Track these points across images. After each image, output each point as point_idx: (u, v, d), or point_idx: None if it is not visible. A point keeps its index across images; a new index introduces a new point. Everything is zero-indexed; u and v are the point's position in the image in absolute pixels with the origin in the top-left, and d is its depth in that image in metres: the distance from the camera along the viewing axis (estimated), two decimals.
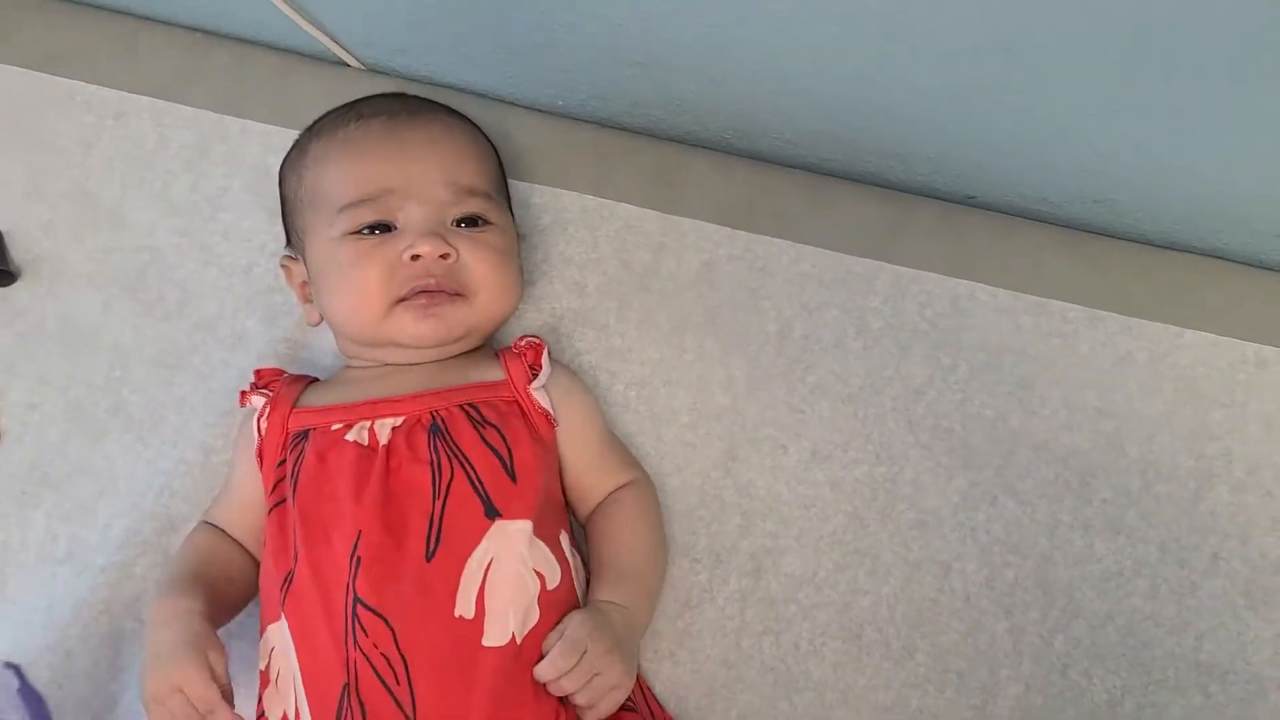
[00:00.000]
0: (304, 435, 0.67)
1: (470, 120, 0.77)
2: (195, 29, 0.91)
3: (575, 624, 0.63)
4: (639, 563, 0.68)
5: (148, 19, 0.91)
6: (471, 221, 0.70)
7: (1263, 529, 0.73)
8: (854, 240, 0.83)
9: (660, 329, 0.81)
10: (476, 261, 0.69)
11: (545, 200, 0.85)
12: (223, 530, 0.71)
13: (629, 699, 0.68)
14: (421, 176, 0.69)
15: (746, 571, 0.74)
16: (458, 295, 0.69)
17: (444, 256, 0.68)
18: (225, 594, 0.67)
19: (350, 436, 0.66)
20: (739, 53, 0.76)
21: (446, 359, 0.71)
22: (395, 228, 0.69)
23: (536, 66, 0.86)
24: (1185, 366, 0.78)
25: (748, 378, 0.79)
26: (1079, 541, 0.74)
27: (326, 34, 0.87)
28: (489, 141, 0.77)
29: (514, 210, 0.81)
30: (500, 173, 0.77)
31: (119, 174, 0.85)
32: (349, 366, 0.74)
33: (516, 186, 0.84)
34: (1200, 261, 0.82)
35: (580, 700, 0.62)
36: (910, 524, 0.75)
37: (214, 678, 0.59)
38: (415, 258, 0.67)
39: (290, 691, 0.62)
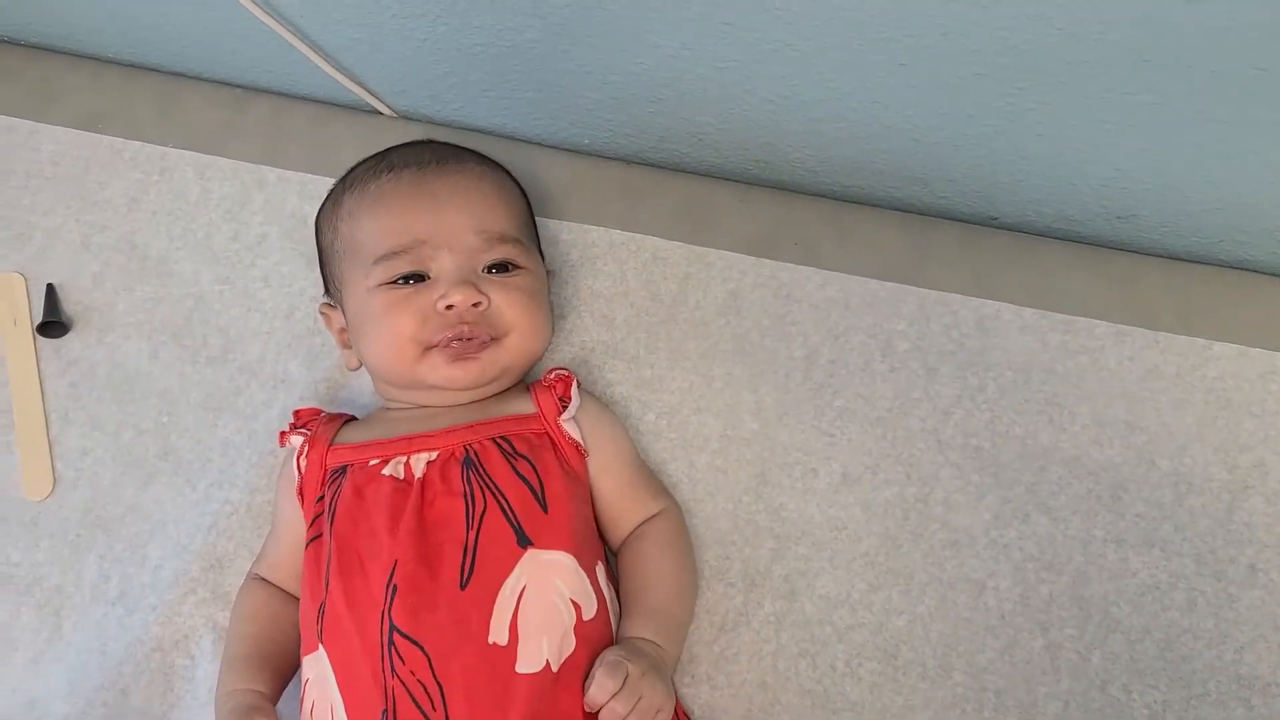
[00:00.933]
0: (342, 471, 0.69)
1: (498, 165, 0.79)
2: (232, 84, 0.95)
3: (610, 651, 0.64)
4: (667, 597, 0.70)
5: (186, 76, 0.95)
6: (502, 267, 0.72)
7: None
8: (878, 265, 0.84)
9: (689, 358, 0.82)
10: (508, 305, 0.71)
11: (573, 237, 0.87)
12: (272, 584, 0.72)
13: None
14: (452, 226, 0.71)
15: (781, 594, 0.74)
16: (491, 340, 0.70)
17: (476, 305, 0.70)
18: (285, 657, 0.70)
19: (386, 471, 0.68)
20: (756, 85, 0.78)
21: (481, 399, 0.73)
22: (429, 277, 0.71)
23: (562, 107, 0.89)
24: (1215, 379, 0.78)
25: (776, 403, 0.80)
26: (1113, 556, 0.74)
27: (358, 83, 0.90)
28: (517, 185, 0.79)
29: (543, 247, 0.83)
30: (529, 215, 0.79)
31: (164, 226, 0.88)
32: (386, 407, 0.76)
33: (545, 224, 0.86)
34: (1226, 274, 0.82)
35: None
36: (943, 543, 0.75)
37: None
38: (449, 307, 0.69)
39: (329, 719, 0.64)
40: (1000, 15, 0.64)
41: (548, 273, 0.80)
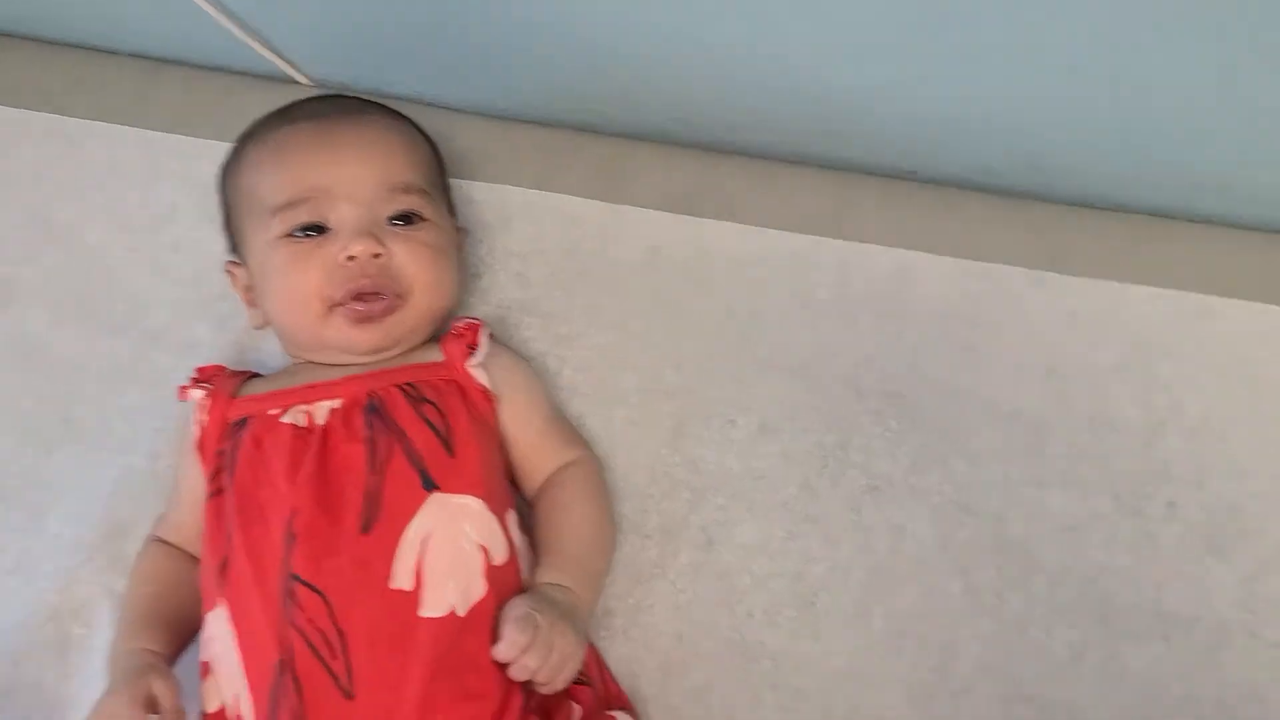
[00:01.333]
0: (243, 424, 0.67)
1: (406, 119, 0.78)
2: (144, 56, 0.93)
3: (518, 602, 0.62)
4: (582, 544, 0.68)
5: (97, 49, 0.93)
6: (406, 219, 0.71)
7: (1218, 474, 0.72)
8: (798, 219, 0.83)
9: (607, 314, 0.81)
10: (411, 259, 0.69)
11: (488, 197, 0.85)
12: (173, 545, 0.70)
13: (584, 673, 0.67)
14: (353, 175, 0.69)
15: (698, 545, 0.73)
16: (396, 300, 0.69)
17: (377, 256, 0.68)
18: (184, 618, 0.67)
19: (286, 419, 0.66)
20: (672, 44, 0.77)
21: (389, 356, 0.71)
22: (329, 228, 0.69)
23: (478, 71, 0.88)
24: (1132, 321, 0.77)
25: (695, 357, 0.79)
26: (1032, 498, 0.73)
27: (273, 50, 0.89)
28: (426, 138, 0.78)
29: (457, 208, 0.82)
30: (438, 169, 0.77)
31: (72, 197, 0.86)
32: (293, 363, 0.74)
33: (459, 185, 0.85)
34: (1141, 220, 0.82)
35: (541, 677, 0.61)
36: (862, 489, 0.74)
37: (157, 708, 0.59)
38: (350, 258, 0.68)
39: (229, 678, 0.62)
40: None
41: (460, 230, 0.78)
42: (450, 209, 0.78)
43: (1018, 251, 0.80)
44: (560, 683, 0.61)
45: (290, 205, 0.69)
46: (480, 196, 0.85)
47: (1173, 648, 0.68)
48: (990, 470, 0.74)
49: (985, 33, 0.68)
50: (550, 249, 0.83)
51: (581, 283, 0.82)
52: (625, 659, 0.70)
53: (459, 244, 0.77)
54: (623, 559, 0.73)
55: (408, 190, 0.71)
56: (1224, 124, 0.74)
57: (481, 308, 0.82)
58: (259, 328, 0.75)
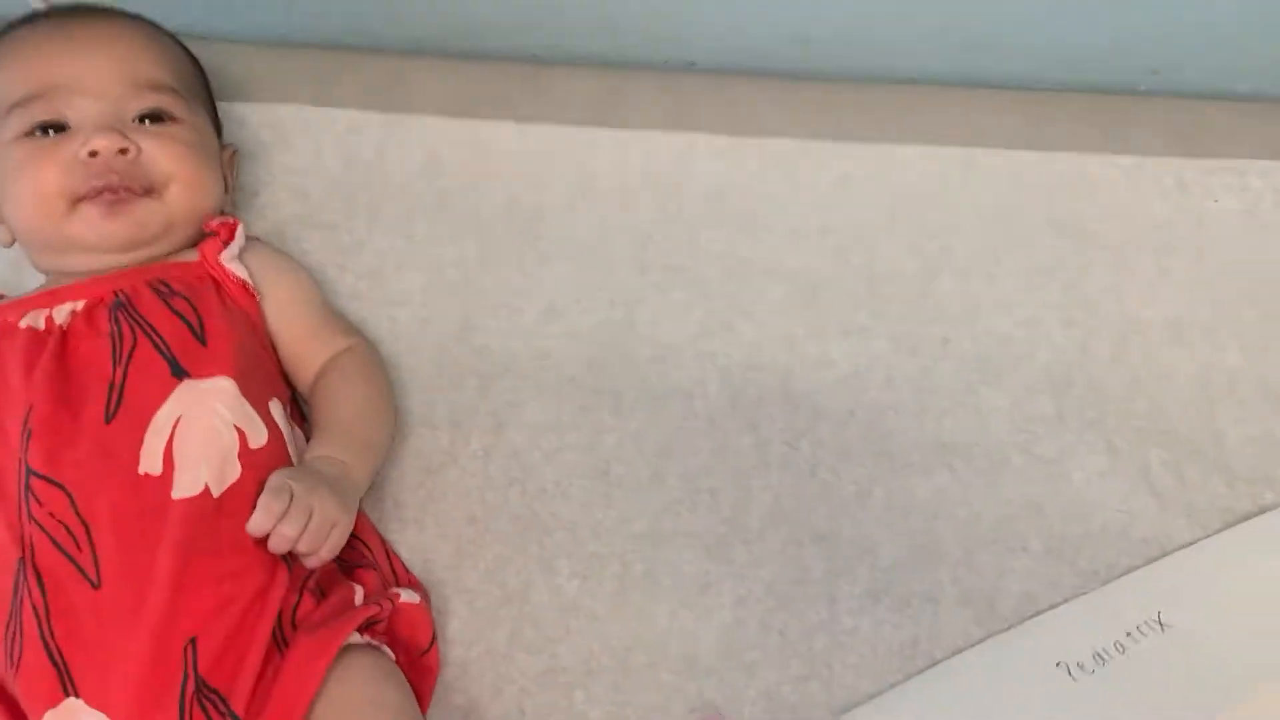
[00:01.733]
0: None
1: (158, 25, 0.75)
2: None
3: (275, 474, 0.60)
4: (353, 416, 0.66)
5: None
6: (155, 117, 0.68)
7: (987, 309, 0.74)
8: (576, 114, 0.83)
9: (389, 220, 0.79)
10: (163, 155, 0.66)
11: (263, 117, 0.83)
12: None
13: (368, 556, 0.64)
14: (94, 70, 0.66)
15: (487, 429, 0.72)
16: (148, 192, 0.66)
17: (123, 151, 0.64)
18: None
19: (24, 324, 0.62)
20: None
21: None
22: (69, 126, 0.65)
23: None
24: (900, 177, 0.79)
25: (479, 252, 0.78)
26: (814, 350, 0.74)
27: None
28: (179, 44, 0.75)
29: (232, 129, 0.79)
30: (193, 72, 0.74)
31: None
32: (45, 280, 0.70)
33: (232, 108, 0.83)
34: (908, 89, 0.84)
35: (303, 546, 0.58)
36: (650, 359, 0.74)
37: None
38: (93, 154, 0.64)
39: None
40: None
41: (227, 149, 0.76)
42: (215, 126, 0.75)
43: (790, 126, 0.82)
44: (327, 552, 0.59)
45: (25, 102, 0.65)
46: (256, 118, 0.83)
47: (955, 475, 0.70)
48: (773, 328, 0.74)
49: None
50: (329, 163, 0.82)
51: (362, 192, 0.81)
52: (419, 547, 0.68)
53: (222, 157, 0.74)
54: (412, 451, 0.71)
55: (155, 88, 0.68)
56: None
57: (259, 224, 0.79)
58: (8, 245, 0.71)
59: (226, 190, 0.74)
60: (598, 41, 0.87)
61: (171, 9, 0.86)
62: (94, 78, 0.66)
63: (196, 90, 0.74)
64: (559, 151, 0.82)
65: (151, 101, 0.67)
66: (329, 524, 0.59)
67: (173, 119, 0.68)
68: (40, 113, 0.65)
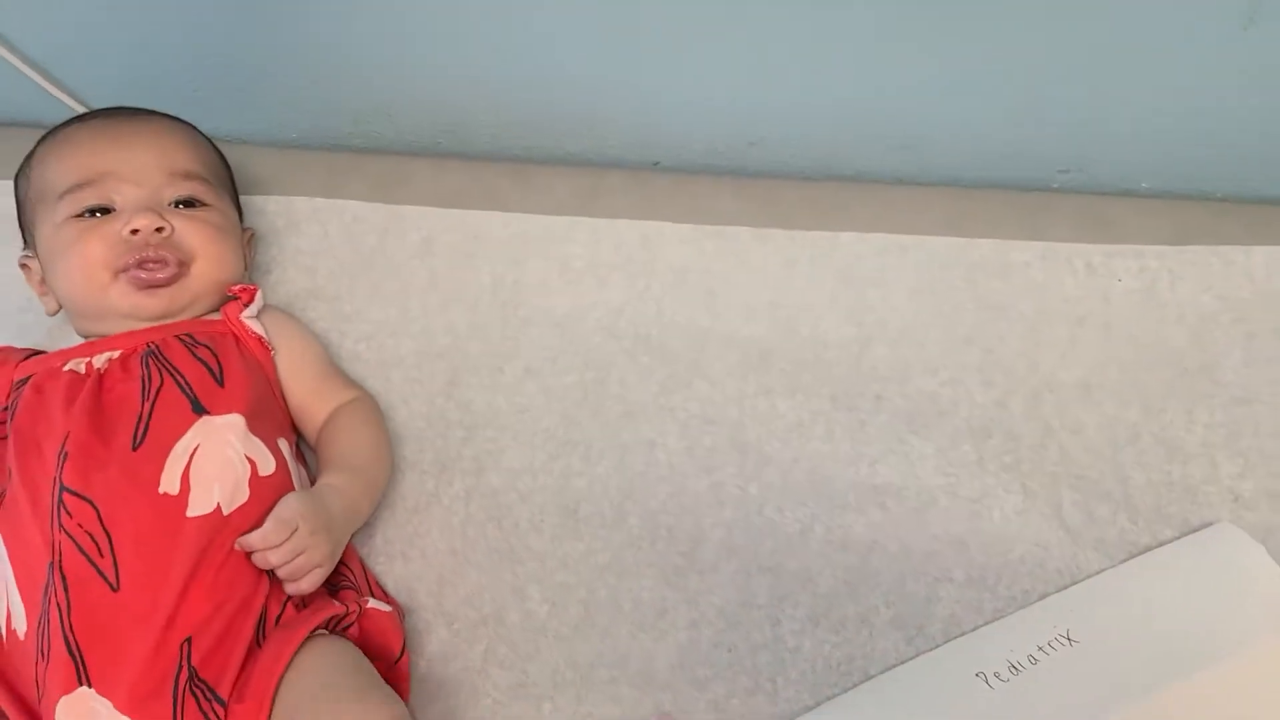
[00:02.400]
0: (26, 380, 0.72)
1: (192, 125, 0.87)
2: None
3: (288, 502, 0.67)
4: (360, 458, 0.74)
5: None
6: (188, 203, 0.77)
7: (916, 371, 0.83)
8: (555, 205, 0.94)
9: (386, 294, 0.89)
10: (192, 234, 0.76)
11: (279, 207, 0.94)
12: None
13: (348, 577, 0.72)
14: (138, 161, 0.76)
15: (469, 472, 0.80)
16: (179, 268, 0.75)
17: (160, 230, 0.74)
18: None
19: (67, 368, 0.71)
20: (425, 58, 0.90)
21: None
22: (114, 209, 0.75)
23: (266, 96, 0.98)
24: (842, 260, 0.90)
25: (466, 321, 0.88)
26: (764, 405, 0.82)
27: (71, 95, 0.97)
28: (209, 140, 0.86)
29: (249, 218, 0.90)
30: (220, 166, 0.85)
31: None
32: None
33: (251, 200, 0.94)
34: (848, 184, 0.95)
35: (282, 574, 0.66)
36: (618, 414, 0.82)
37: None
38: (134, 232, 0.73)
39: (2, 595, 0.65)
40: None
41: (247, 232, 0.86)
42: (238, 211, 0.86)
43: (743, 216, 0.92)
44: (306, 585, 0.66)
45: (77, 188, 0.75)
46: (272, 208, 0.94)
47: (888, 513, 0.77)
48: (727, 388, 0.83)
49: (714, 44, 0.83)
50: (336, 245, 0.92)
51: (364, 271, 0.91)
52: (404, 576, 0.76)
53: (244, 240, 0.84)
54: (400, 493, 0.79)
55: (189, 177, 0.78)
56: (890, 92, 0.89)
57: (273, 296, 0.89)
58: (53, 313, 0.80)
59: (246, 267, 0.84)
60: (576, 143, 0.99)
61: (204, 113, 0.98)
62: (136, 168, 0.76)
63: (223, 180, 0.84)
64: (540, 237, 0.92)
65: (185, 189, 0.77)
66: (311, 566, 0.66)
67: (203, 204, 0.78)
68: (90, 198, 0.75)
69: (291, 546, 0.65)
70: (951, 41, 0.84)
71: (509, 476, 0.80)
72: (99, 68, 0.95)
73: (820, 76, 0.89)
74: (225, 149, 0.95)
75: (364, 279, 0.90)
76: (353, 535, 0.75)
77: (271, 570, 0.66)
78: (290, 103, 0.98)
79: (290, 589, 0.66)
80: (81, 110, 0.96)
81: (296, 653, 0.63)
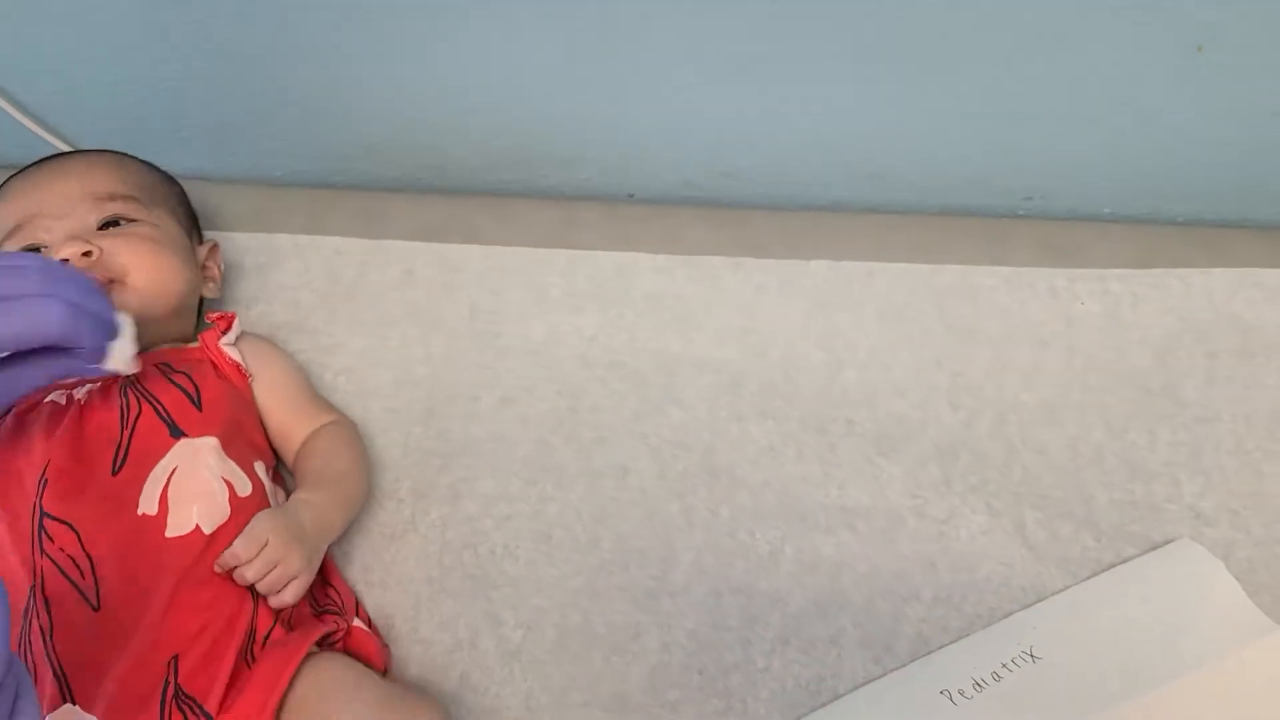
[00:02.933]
0: (8, 412, 0.74)
1: (122, 153, 0.85)
2: None
3: (259, 518, 0.68)
4: (332, 472, 0.75)
5: None
6: (114, 223, 0.77)
7: (885, 394, 0.85)
8: (533, 237, 0.96)
9: (366, 325, 0.91)
10: (122, 249, 0.75)
11: (263, 244, 0.96)
12: None
13: (334, 600, 0.73)
14: (59, 195, 0.77)
15: (445, 500, 0.81)
16: (109, 283, 0.74)
17: (86, 254, 0.74)
18: None
19: (48, 399, 0.73)
20: (405, 98, 0.92)
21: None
22: (46, 246, 0.76)
23: (249, 135, 1.00)
24: (812, 286, 0.91)
25: (444, 351, 0.90)
26: (735, 429, 0.84)
27: (58, 136, 1.00)
28: (144, 163, 0.85)
29: (236, 253, 0.92)
30: (156, 183, 0.83)
31: None
32: None
33: (234, 237, 0.96)
34: (818, 214, 0.98)
35: (261, 589, 0.67)
36: (591, 441, 0.84)
37: None
38: (64, 261, 0.73)
39: None
40: None
41: (207, 244, 0.85)
42: (191, 225, 0.85)
43: (716, 245, 0.95)
44: (289, 596, 0.67)
45: (12, 233, 0.76)
46: (257, 244, 0.96)
47: (856, 534, 0.79)
48: (699, 412, 0.85)
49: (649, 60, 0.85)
50: (317, 279, 0.94)
51: (344, 303, 0.93)
52: (382, 604, 0.77)
53: (201, 251, 0.84)
54: (378, 521, 0.81)
55: (113, 198, 0.78)
56: (858, 123, 0.92)
57: (256, 328, 0.91)
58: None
59: (210, 278, 0.85)
60: (552, 177, 1.01)
61: (188, 153, 1.01)
62: (58, 202, 0.77)
63: (160, 196, 0.83)
64: (517, 268, 0.94)
65: (111, 210, 0.77)
66: (288, 578, 0.67)
67: (131, 220, 0.78)
68: (23, 239, 0.76)
69: (265, 560, 0.66)
70: (917, 73, 0.86)
71: (484, 503, 0.81)
72: (84, 110, 0.97)
73: (791, 109, 0.92)
74: (210, 188, 0.98)
75: (344, 311, 0.92)
76: (331, 550, 0.76)
77: (253, 587, 0.67)
78: (273, 142, 1.00)
79: (273, 602, 0.67)
80: (61, 147, 0.98)
81: (298, 674, 0.64)
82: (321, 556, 0.72)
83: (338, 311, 0.92)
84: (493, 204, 1.00)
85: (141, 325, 0.75)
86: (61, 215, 0.76)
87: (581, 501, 0.81)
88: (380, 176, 1.03)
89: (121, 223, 0.78)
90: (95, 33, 0.90)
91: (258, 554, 0.67)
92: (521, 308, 0.92)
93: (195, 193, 0.93)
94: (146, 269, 0.76)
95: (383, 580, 0.78)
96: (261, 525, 0.68)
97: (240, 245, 0.96)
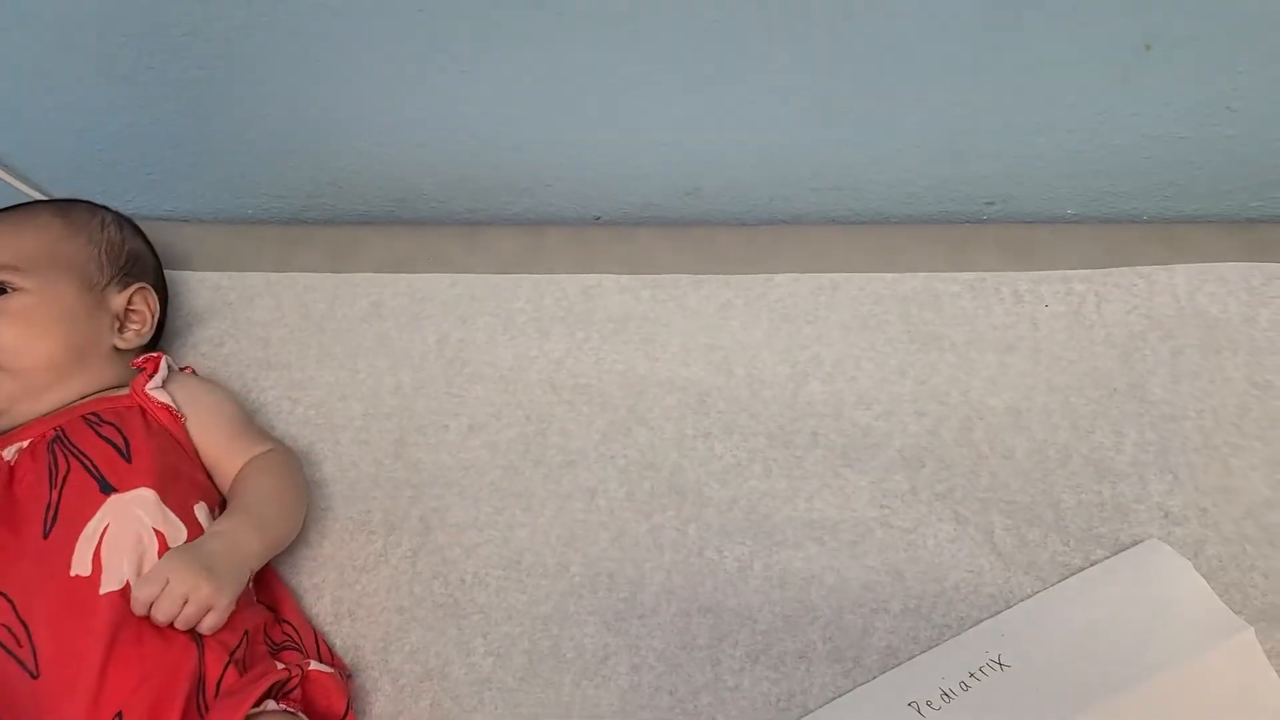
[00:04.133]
0: None
1: (36, 206, 0.85)
2: None
3: (164, 558, 0.68)
4: (254, 499, 0.75)
5: None
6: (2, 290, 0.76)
7: (850, 405, 0.85)
8: (499, 264, 0.97)
9: (335, 358, 0.92)
10: None
11: (233, 282, 0.97)
12: None
13: (292, 637, 0.73)
14: None
15: (417, 532, 0.82)
16: None
17: None
18: None
19: None
20: (371, 133, 0.93)
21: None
22: None
23: (218, 177, 1.02)
24: (776, 300, 0.92)
25: (413, 381, 0.90)
26: (701, 447, 0.84)
27: (26, 183, 1.01)
28: (47, 218, 0.83)
29: (205, 293, 0.93)
30: (45, 243, 0.80)
31: None
32: None
33: (205, 276, 0.97)
34: (781, 227, 0.98)
35: (179, 626, 0.66)
36: (559, 464, 0.84)
37: None
38: None
39: None
40: None
41: (130, 288, 0.82)
42: (97, 279, 0.82)
43: (681, 263, 0.95)
44: (206, 627, 0.66)
45: None
46: (228, 283, 0.97)
47: (824, 547, 0.79)
48: (666, 431, 0.85)
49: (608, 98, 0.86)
50: (288, 315, 0.95)
51: (314, 337, 0.93)
52: (351, 635, 0.77)
53: (114, 300, 0.82)
54: (349, 554, 0.81)
55: None
56: (819, 137, 0.92)
57: (224, 370, 0.92)
58: None
59: (132, 324, 0.82)
60: (519, 204, 1.02)
61: (158, 195, 1.03)
62: None
63: (49, 257, 0.80)
64: (485, 295, 0.95)
65: None
66: (202, 610, 0.67)
67: (13, 289, 0.77)
68: None
69: (170, 598, 0.66)
70: (870, 86, 0.87)
71: (454, 532, 0.81)
72: (52, 155, 0.98)
73: (752, 126, 0.92)
74: (179, 228, 0.99)
75: (314, 345, 0.93)
76: (290, 583, 0.78)
77: (193, 631, 0.67)
78: (241, 181, 1.02)
79: (205, 630, 0.67)
80: (33, 194, 1.00)
81: None
82: (242, 583, 0.70)
83: (308, 346, 0.93)
84: (461, 233, 1.00)
85: (38, 392, 0.76)
86: None
87: (550, 525, 0.82)
88: (349, 210, 1.04)
89: (8, 290, 0.77)
90: (58, 83, 0.92)
91: (160, 593, 0.66)
92: (489, 334, 0.92)
93: (166, 234, 0.94)
94: (13, 349, 0.75)
95: (352, 611, 0.79)
96: (161, 565, 0.67)
97: (212, 284, 0.97)
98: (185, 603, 0.66)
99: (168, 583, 0.66)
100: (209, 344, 0.93)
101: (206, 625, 0.67)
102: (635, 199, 1.00)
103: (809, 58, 0.86)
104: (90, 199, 0.88)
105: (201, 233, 1.01)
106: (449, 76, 0.89)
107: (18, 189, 1.00)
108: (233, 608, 0.69)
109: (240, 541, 0.71)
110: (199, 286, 0.97)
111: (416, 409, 0.88)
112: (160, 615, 0.66)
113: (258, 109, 0.95)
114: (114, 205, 0.99)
